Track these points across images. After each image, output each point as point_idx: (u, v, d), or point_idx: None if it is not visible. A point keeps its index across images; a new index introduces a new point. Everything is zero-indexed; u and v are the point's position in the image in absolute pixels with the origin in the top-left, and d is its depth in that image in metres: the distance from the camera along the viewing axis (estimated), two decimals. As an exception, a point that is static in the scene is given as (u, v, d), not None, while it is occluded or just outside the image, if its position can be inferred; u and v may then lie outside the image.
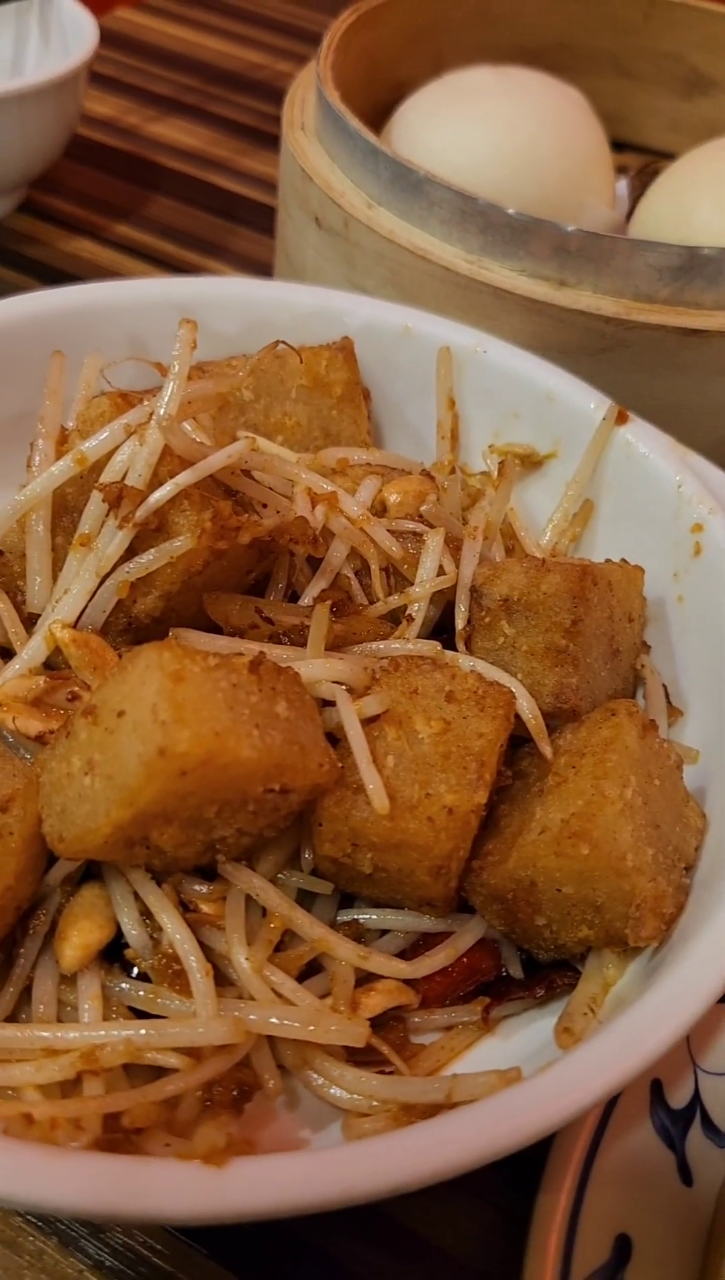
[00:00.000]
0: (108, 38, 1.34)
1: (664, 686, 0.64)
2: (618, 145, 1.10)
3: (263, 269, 1.03)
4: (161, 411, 0.52)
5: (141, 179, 1.12)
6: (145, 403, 0.54)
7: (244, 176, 1.15)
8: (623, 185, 1.00)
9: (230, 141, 1.20)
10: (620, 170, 1.06)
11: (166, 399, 0.53)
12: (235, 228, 1.08)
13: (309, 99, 0.85)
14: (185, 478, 0.52)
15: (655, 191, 0.87)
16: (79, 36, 1.01)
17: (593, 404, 0.68)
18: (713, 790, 0.58)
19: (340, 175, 0.78)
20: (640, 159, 1.08)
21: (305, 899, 0.53)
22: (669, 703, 0.63)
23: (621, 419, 0.67)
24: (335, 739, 0.52)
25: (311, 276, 0.82)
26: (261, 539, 0.55)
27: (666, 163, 1.06)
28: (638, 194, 1.00)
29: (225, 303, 0.73)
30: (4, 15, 1.05)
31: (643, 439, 0.67)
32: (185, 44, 1.37)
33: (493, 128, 0.85)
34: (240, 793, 0.47)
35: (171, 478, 0.53)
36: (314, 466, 0.66)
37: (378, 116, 0.96)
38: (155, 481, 0.53)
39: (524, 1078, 0.45)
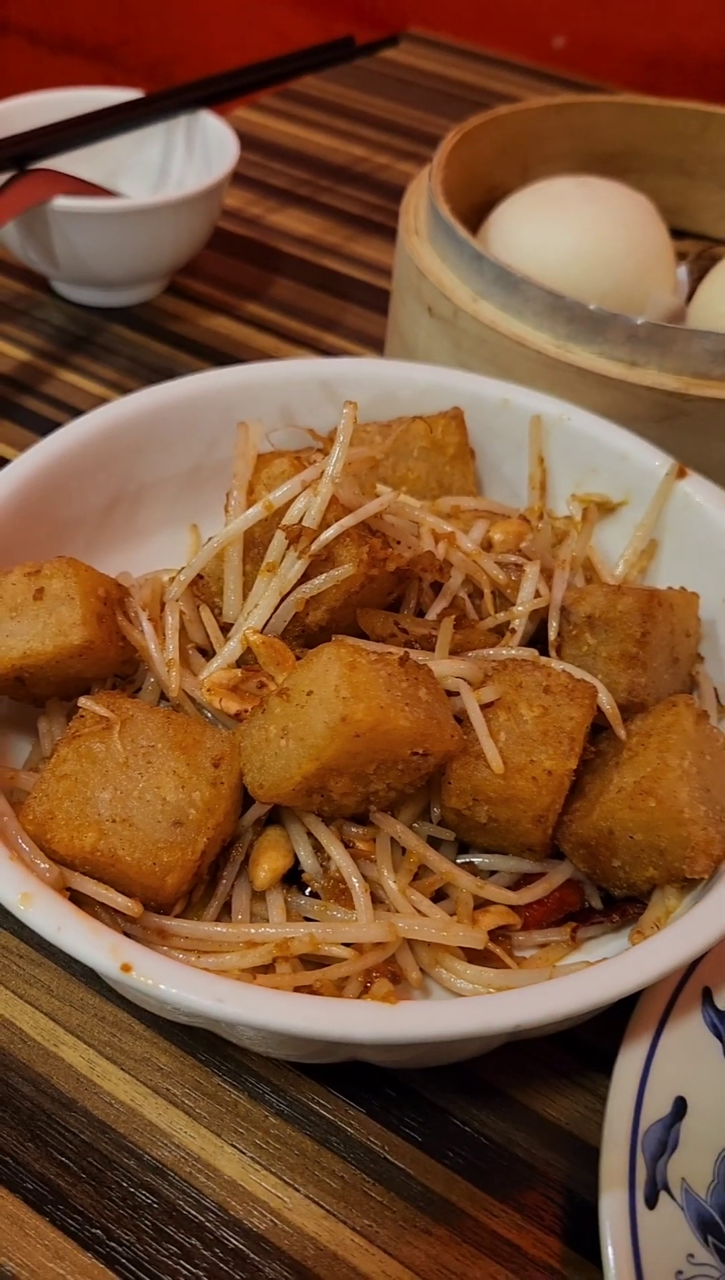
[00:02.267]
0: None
1: (715, 689, 0.79)
2: (679, 233, 1.26)
3: (371, 341, 1.21)
4: (330, 470, 0.69)
5: (266, 263, 1.31)
6: (316, 463, 0.71)
7: (352, 260, 1.33)
8: (683, 271, 1.16)
9: (340, 229, 1.38)
10: (681, 256, 1.23)
11: (334, 461, 0.70)
12: (347, 305, 1.25)
13: (421, 206, 1.02)
14: (348, 521, 0.69)
15: (710, 282, 1.03)
16: (221, 148, 1.20)
17: (658, 462, 0.84)
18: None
19: (449, 273, 0.95)
20: (698, 245, 1.25)
21: (432, 845, 0.69)
22: (719, 701, 0.79)
23: (681, 474, 0.83)
24: (459, 720, 0.68)
25: (423, 355, 0.99)
26: (402, 567, 0.72)
27: (722, 248, 1.22)
28: (697, 276, 1.16)
29: (359, 379, 0.90)
30: (155, 130, 1.24)
31: (699, 491, 0.83)
32: (296, 140, 1.56)
33: (575, 230, 1.02)
34: (393, 754, 0.63)
35: (336, 521, 0.69)
36: (433, 511, 0.83)
37: (475, 214, 1.13)
38: (323, 524, 0.70)
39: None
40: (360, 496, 0.71)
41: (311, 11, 1.97)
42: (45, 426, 1.07)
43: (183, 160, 1.26)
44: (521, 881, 0.70)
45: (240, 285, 1.27)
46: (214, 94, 1.23)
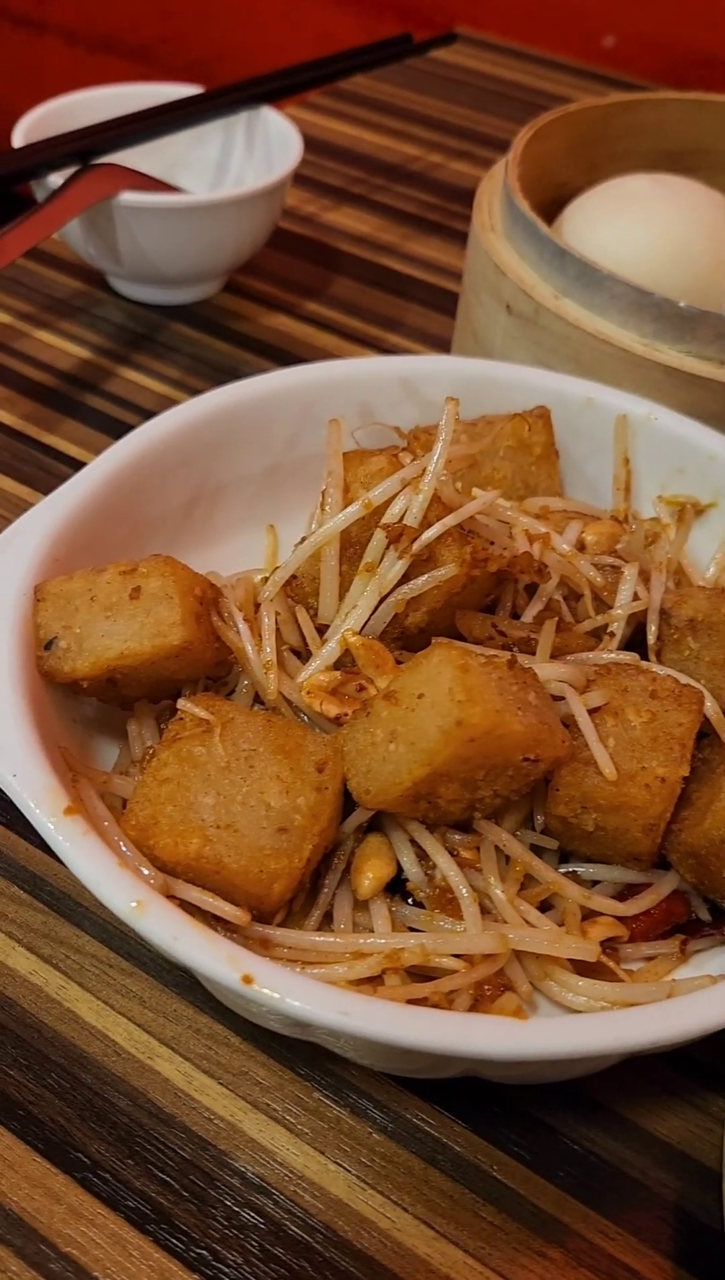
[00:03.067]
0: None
1: None
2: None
3: (435, 341, 1.19)
4: (432, 468, 0.68)
5: (324, 261, 1.29)
6: (416, 461, 0.69)
7: (411, 259, 1.31)
8: (755, 271, 1.15)
9: (396, 228, 1.36)
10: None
11: (436, 459, 0.68)
12: (408, 305, 1.24)
13: (495, 204, 1.01)
14: (450, 520, 0.67)
15: (789, 280, 1.01)
16: (283, 145, 1.18)
17: (749, 462, 0.83)
18: None
19: (529, 271, 0.93)
20: (766, 245, 1.23)
21: (534, 853, 0.67)
22: None
23: (775, 476, 0.82)
24: (565, 725, 0.66)
25: (500, 355, 0.97)
26: (502, 569, 0.70)
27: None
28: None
29: (439, 376, 0.88)
30: (212, 127, 1.23)
31: (794, 492, 0.81)
32: (348, 138, 1.55)
33: (652, 228, 1.00)
34: (505, 759, 0.61)
35: (437, 520, 0.68)
36: (523, 512, 0.81)
37: (542, 211, 1.10)
38: (425, 523, 0.68)
39: (728, 982, 0.59)
40: (461, 496, 0.70)
41: (357, 11, 1.96)
42: (110, 425, 1.05)
43: (242, 157, 1.24)
44: (625, 892, 0.68)
45: (299, 283, 1.25)
46: (271, 90, 1.21)
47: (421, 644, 0.70)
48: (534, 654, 0.69)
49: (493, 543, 0.74)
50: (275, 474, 0.87)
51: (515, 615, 0.75)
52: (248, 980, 0.52)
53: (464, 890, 0.63)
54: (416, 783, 0.60)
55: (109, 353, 1.13)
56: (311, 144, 1.51)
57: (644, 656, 0.73)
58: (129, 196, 1.06)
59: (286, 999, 0.51)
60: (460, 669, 0.59)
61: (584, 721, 0.65)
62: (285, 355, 1.15)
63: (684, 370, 0.86)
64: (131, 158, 1.16)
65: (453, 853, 0.65)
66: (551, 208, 1.12)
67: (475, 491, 0.80)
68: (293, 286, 1.25)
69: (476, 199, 1.03)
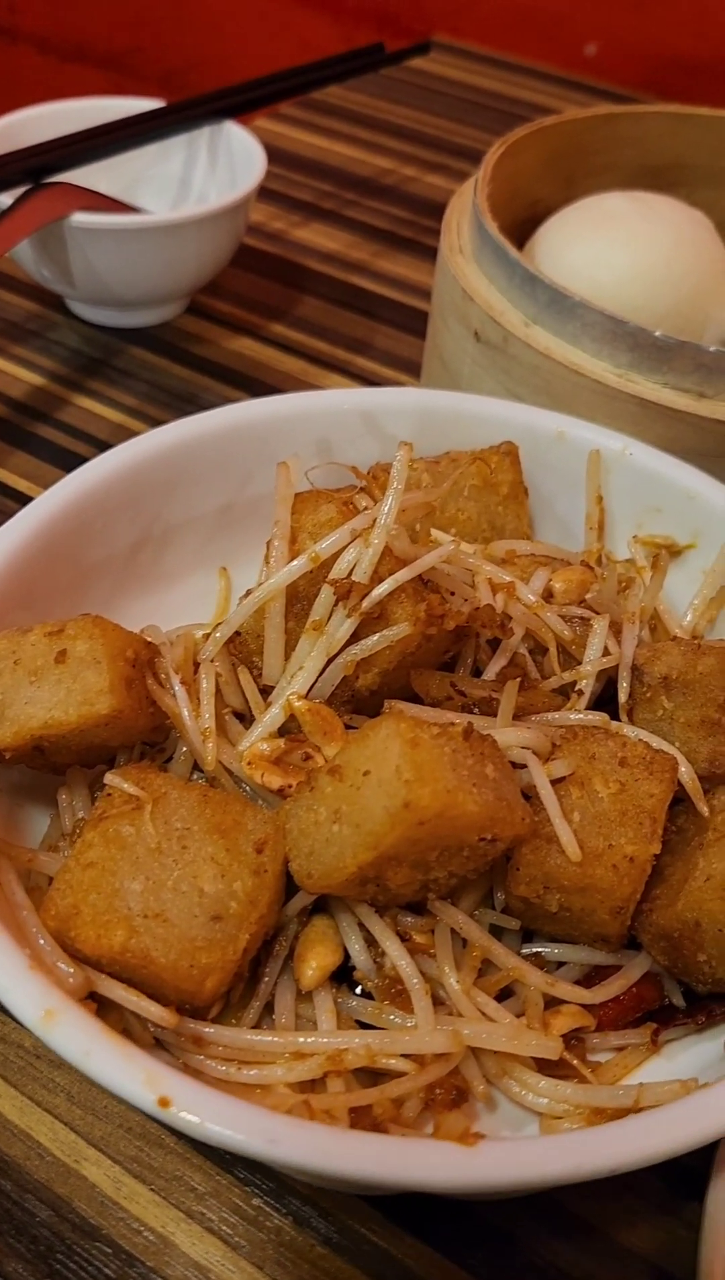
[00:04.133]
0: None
1: None
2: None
3: (405, 365, 1.14)
4: (384, 520, 0.63)
5: (291, 281, 1.24)
6: (367, 511, 0.64)
7: (382, 277, 1.27)
8: (738, 292, 1.10)
9: (367, 245, 1.32)
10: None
11: (387, 509, 0.63)
12: (377, 326, 1.19)
13: (464, 225, 0.96)
14: (403, 575, 0.62)
15: (773, 303, 0.97)
16: (246, 161, 1.13)
17: (729, 502, 0.78)
18: None
19: (498, 296, 0.88)
20: (750, 263, 1.18)
21: (494, 933, 0.62)
22: None
23: (756, 517, 0.77)
24: (526, 796, 0.61)
25: (467, 383, 0.92)
26: (461, 624, 0.65)
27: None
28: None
29: (403, 410, 0.84)
30: (175, 142, 1.18)
31: (776, 534, 0.76)
32: (319, 151, 1.50)
33: (630, 249, 0.95)
34: (459, 840, 0.56)
35: (389, 574, 0.63)
36: (487, 557, 0.76)
37: (518, 230, 1.06)
38: (376, 577, 0.63)
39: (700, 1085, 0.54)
40: (415, 547, 0.65)
41: (334, 20, 1.91)
42: (60, 456, 1.00)
43: (205, 173, 1.19)
44: (593, 974, 0.63)
45: (264, 304, 1.20)
46: (239, 103, 1.16)
47: (374, 707, 0.66)
48: (496, 715, 0.64)
49: (453, 593, 0.70)
50: (229, 514, 0.82)
51: (477, 671, 0.70)
52: (164, 1103, 0.47)
53: (415, 981, 0.58)
54: (362, 867, 0.55)
55: (63, 379, 1.08)
56: (282, 157, 1.46)
57: (615, 715, 0.68)
58: (81, 217, 1.01)
59: (206, 1124, 0.46)
60: (409, 744, 0.54)
61: (547, 795, 0.60)
62: (247, 381, 1.10)
63: (660, 403, 0.81)
64: (91, 175, 1.11)
65: (404, 937, 0.60)
66: (527, 226, 1.07)
67: (436, 535, 0.75)
68: (258, 307, 1.20)
69: (445, 219, 0.98)
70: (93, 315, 1.14)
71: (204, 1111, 0.46)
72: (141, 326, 1.15)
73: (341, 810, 0.56)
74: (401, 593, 0.63)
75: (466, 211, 0.96)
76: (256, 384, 1.09)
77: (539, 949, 0.63)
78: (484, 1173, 0.46)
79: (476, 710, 0.66)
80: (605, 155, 1.11)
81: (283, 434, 0.82)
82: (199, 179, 1.20)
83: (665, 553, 0.78)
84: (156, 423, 0.80)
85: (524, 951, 0.63)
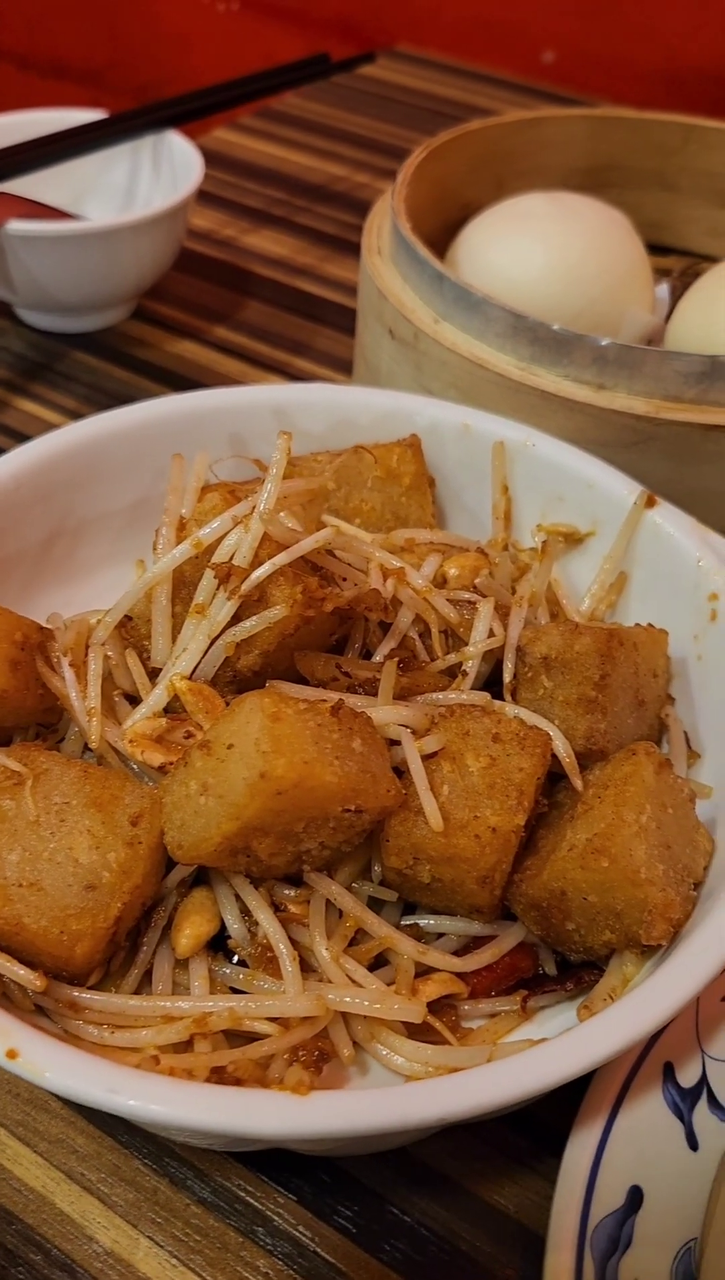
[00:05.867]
0: (207, 156, 1.50)
1: (685, 733, 0.74)
2: (662, 249, 1.22)
3: (342, 365, 1.17)
4: (262, 506, 0.65)
5: (237, 286, 1.27)
6: (249, 498, 0.67)
7: (326, 281, 1.29)
8: (663, 289, 1.12)
9: (315, 249, 1.34)
10: (664, 273, 1.18)
11: (266, 496, 0.65)
12: (318, 328, 1.21)
13: (384, 226, 0.98)
14: (281, 559, 0.64)
15: (687, 300, 0.99)
16: (186, 168, 1.16)
17: (626, 490, 0.79)
18: (722, 821, 0.68)
19: (411, 294, 0.91)
20: (683, 261, 1.20)
21: (374, 905, 0.64)
22: (689, 747, 0.74)
23: (650, 503, 0.78)
24: (401, 772, 0.63)
25: (386, 379, 0.95)
26: (342, 607, 0.67)
27: (706, 264, 1.18)
28: (679, 293, 1.11)
29: (314, 406, 0.86)
30: (120, 151, 1.21)
31: (669, 520, 0.78)
32: (274, 159, 1.53)
33: (547, 248, 0.97)
34: (323, 811, 0.58)
35: (270, 559, 0.65)
36: (386, 545, 0.78)
37: (448, 232, 1.09)
38: (257, 562, 0.65)
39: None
40: (296, 532, 0.67)
41: (299, 31, 1.95)
42: (-2, 457, 1.03)
43: (150, 181, 1.22)
44: (472, 945, 0.65)
45: (209, 309, 1.23)
46: (182, 113, 1.19)
47: (258, 687, 0.68)
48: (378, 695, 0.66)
49: (346, 579, 0.72)
50: (142, 508, 0.85)
51: (368, 654, 0.72)
52: (11, 1055, 0.49)
53: (282, 947, 0.60)
54: (227, 837, 0.57)
55: (4, 383, 1.11)
56: (237, 165, 1.50)
57: (499, 696, 0.70)
58: (16, 225, 1.04)
59: (46, 1074, 0.48)
60: (271, 718, 0.57)
61: (416, 768, 0.62)
62: (186, 382, 1.12)
63: (561, 395, 0.83)
64: (37, 186, 1.14)
65: (280, 908, 0.62)
66: (457, 228, 1.09)
67: (333, 523, 0.77)
68: (203, 312, 1.22)
69: (368, 221, 1.00)
70: (38, 321, 1.17)
71: (47, 1062, 0.49)
72: (87, 331, 1.18)
73: (208, 783, 0.58)
74: (280, 576, 0.65)
75: (387, 214, 0.99)
76: (195, 386, 1.12)
77: (418, 920, 0.65)
78: (314, 1121, 0.48)
79: (361, 690, 0.68)
80: (533, 158, 1.14)
81: (196, 430, 0.84)
82: (143, 187, 1.23)
83: (554, 538, 0.80)
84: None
85: (403, 923, 0.65)
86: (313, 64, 1.33)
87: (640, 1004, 0.54)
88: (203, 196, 1.42)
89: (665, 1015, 0.54)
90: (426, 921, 0.65)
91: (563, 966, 0.65)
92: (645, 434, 0.82)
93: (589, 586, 0.81)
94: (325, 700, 0.61)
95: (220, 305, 1.24)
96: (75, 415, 1.08)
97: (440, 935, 0.65)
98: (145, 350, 1.16)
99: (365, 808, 0.59)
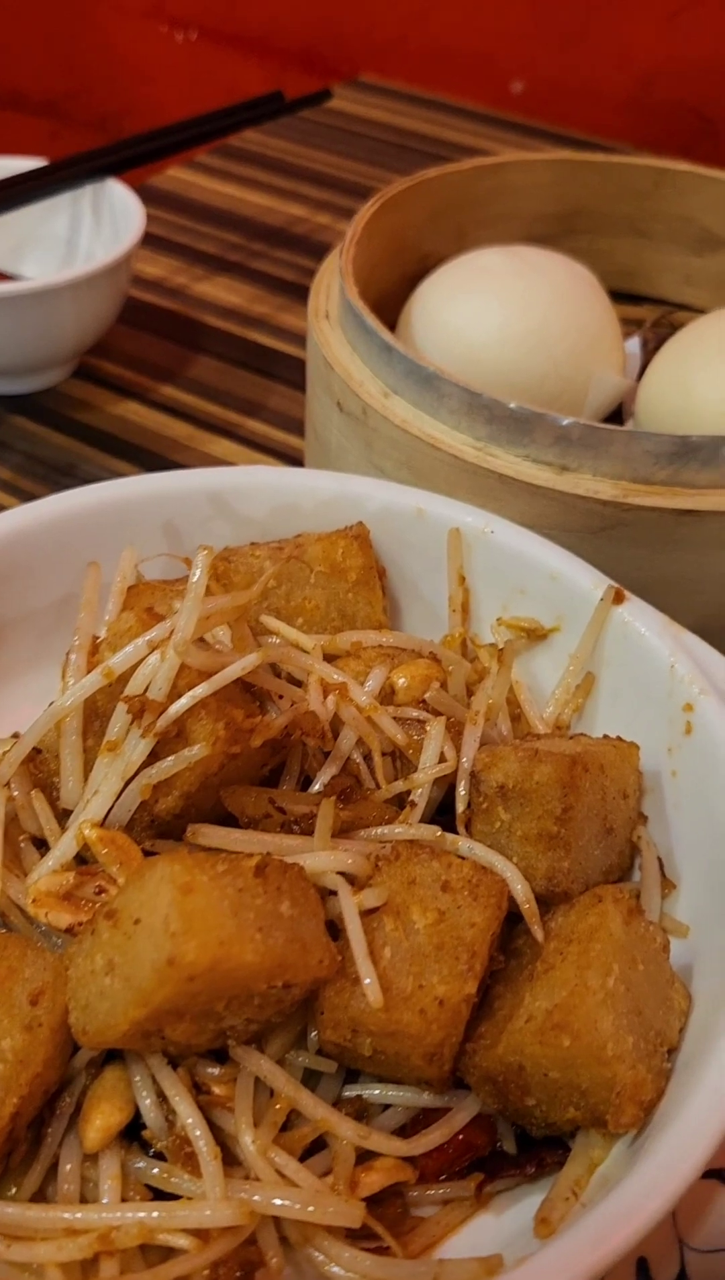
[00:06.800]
0: (160, 198, 1.45)
1: (659, 859, 0.67)
2: (635, 298, 1.16)
3: (297, 426, 1.10)
4: (179, 635, 0.58)
5: (187, 339, 1.20)
6: (168, 620, 0.60)
7: (282, 332, 1.23)
8: (634, 343, 1.05)
9: (271, 298, 1.28)
10: (637, 324, 1.12)
11: (185, 619, 0.58)
12: (273, 385, 1.15)
13: (333, 286, 0.92)
14: (200, 691, 0.58)
15: (659, 361, 0.92)
16: (128, 219, 1.09)
17: (592, 584, 0.73)
18: (701, 965, 0.61)
19: (359, 364, 0.84)
20: (656, 311, 1.14)
21: (312, 1076, 0.57)
22: (663, 875, 0.67)
23: (618, 599, 0.72)
24: (338, 929, 0.56)
25: (335, 454, 0.88)
26: (275, 738, 0.60)
27: (682, 315, 1.12)
28: (654, 345, 1.05)
29: (254, 491, 0.79)
30: (60, 200, 1.14)
31: (639, 618, 0.71)
32: (231, 200, 1.46)
33: (506, 308, 0.91)
34: (245, 990, 0.51)
35: (190, 689, 0.58)
36: (330, 649, 0.71)
37: (408, 285, 1.02)
38: (175, 692, 0.58)
39: (504, 1265, 0.49)
40: (220, 656, 0.60)
41: (262, 62, 1.89)
42: None
43: (91, 232, 1.15)
44: (423, 1117, 0.58)
45: (157, 365, 1.16)
46: (124, 159, 1.13)
47: (181, 831, 0.61)
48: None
49: (281, 697, 0.65)
50: (70, 605, 0.77)
51: (308, 781, 0.65)
52: None
53: (202, 1144, 0.53)
54: (135, 1023, 0.51)
55: (-64, 452, 1.04)
56: (191, 208, 1.43)
57: (453, 825, 0.63)
58: (-58, 287, 0.97)
59: None
60: (181, 890, 0.50)
61: (353, 929, 0.55)
62: (130, 449, 1.06)
63: (520, 479, 0.76)
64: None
65: (203, 1089, 0.55)
66: (417, 280, 1.02)
67: (272, 625, 0.71)
68: (149, 369, 1.16)
69: (315, 280, 0.94)
70: (-26, 383, 1.11)
71: None
72: (24, 393, 1.11)
73: (114, 961, 0.51)
74: (201, 709, 0.58)
75: (335, 273, 0.92)
76: (139, 451, 1.05)
77: (362, 1091, 0.58)
78: None
79: (297, 828, 0.61)
80: (497, 205, 1.07)
81: (127, 519, 0.77)
82: (85, 239, 1.16)
83: (517, 635, 0.74)
84: (29, 497, 0.76)
85: (347, 1093, 0.58)
86: (266, 103, 1.26)
87: (603, 1224, 0.47)
88: (155, 241, 1.35)
89: (638, 1234, 0.47)
90: (371, 1093, 0.58)
91: (523, 1142, 0.58)
92: (613, 520, 0.76)
93: (553, 690, 0.74)
94: (250, 856, 0.54)
95: (168, 361, 1.17)
96: (9, 487, 1.01)
97: (388, 1107, 0.58)
98: (86, 413, 1.09)
99: (295, 981, 0.52)
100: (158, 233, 1.38)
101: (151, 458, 1.04)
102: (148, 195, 1.44)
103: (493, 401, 0.76)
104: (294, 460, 1.05)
